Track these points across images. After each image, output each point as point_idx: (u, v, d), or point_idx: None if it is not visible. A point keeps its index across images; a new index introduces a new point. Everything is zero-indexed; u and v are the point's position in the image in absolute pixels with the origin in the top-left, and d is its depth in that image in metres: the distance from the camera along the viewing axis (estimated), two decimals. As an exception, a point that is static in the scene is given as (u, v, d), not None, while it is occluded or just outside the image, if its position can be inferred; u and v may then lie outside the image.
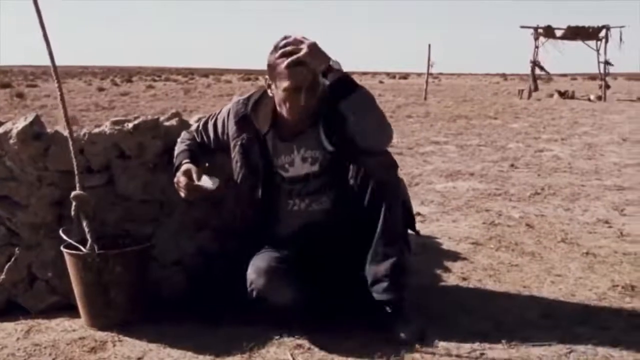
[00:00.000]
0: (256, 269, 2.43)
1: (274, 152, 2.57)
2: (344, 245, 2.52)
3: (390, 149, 2.55)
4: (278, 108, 2.51)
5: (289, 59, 2.38)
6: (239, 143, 2.58)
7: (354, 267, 2.57)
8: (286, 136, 2.57)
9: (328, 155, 2.52)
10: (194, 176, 2.50)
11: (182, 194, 2.53)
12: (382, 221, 2.43)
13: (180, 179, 2.52)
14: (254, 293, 2.42)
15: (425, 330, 2.43)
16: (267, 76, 2.51)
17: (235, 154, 2.60)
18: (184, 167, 2.56)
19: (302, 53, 2.37)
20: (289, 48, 2.41)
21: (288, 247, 2.55)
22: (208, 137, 2.73)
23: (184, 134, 2.80)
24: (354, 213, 2.48)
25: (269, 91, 2.55)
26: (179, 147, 2.72)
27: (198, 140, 2.75)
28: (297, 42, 2.42)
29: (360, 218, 2.46)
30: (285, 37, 2.46)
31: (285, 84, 2.41)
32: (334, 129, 2.48)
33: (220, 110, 2.73)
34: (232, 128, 2.61)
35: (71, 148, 2.59)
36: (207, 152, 2.75)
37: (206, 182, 2.48)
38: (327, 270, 2.55)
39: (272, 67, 2.45)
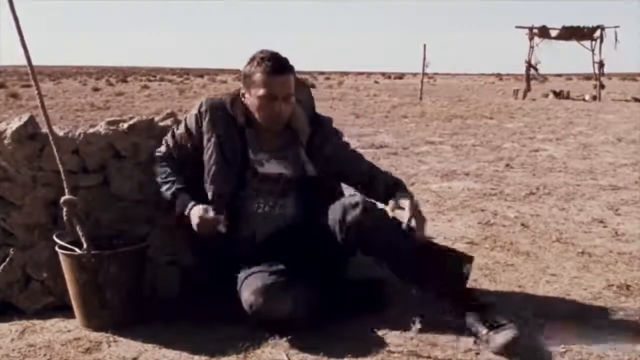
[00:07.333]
0: (253, 289, 2.42)
1: (252, 145, 2.64)
2: (312, 249, 2.55)
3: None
4: (255, 114, 2.61)
5: (268, 66, 2.53)
6: (214, 134, 2.61)
7: (329, 269, 2.63)
8: (262, 145, 2.67)
9: (305, 175, 2.66)
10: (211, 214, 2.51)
11: (204, 231, 2.51)
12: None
13: (208, 216, 2.50)
14: (257, 314, 2.42)
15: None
16: (242, 85, 2.64)
17: (210, 146, 2.61)
18: (199, 209, 2.51)
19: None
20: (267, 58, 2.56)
21: (255, 252, 2.57)
22: (180, 145, 2.71)
23: (160, 170, 2.71)
24: (318, 220, 2.55)
25: (243, 99, 2.65)
26: (167, 187, 2.65)
27: (175, 155, 2.71)
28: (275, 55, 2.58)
29: (325, 227, 2.53)
30: (262, 51, 2.59)
31: (261, 91, 2.54)
32: (317, 152, 2.65)
33: (185, 118, 2.74)
34: (206, 122, 2.63)
35: (55, 154, 2.58)
36: (186, 165, 2.72)
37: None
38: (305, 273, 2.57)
39: (248, 74, 2.58)
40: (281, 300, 2.41)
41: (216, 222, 2.49)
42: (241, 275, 2.51)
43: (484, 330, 2.33)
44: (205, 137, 2.63)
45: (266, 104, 2.55)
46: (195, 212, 2.51)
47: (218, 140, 2.60)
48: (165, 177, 2.67)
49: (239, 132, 2.63)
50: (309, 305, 2.45)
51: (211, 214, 2.49)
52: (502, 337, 2.28)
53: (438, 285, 2.45)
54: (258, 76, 2.54)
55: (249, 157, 2.63)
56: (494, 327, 2.33)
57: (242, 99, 2.65)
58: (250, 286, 2.44)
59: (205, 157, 2.62)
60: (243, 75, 2.62)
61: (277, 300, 2.40)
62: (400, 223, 2.48)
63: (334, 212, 2.51)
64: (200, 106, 2.67)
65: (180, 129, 2.71)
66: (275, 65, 2.54)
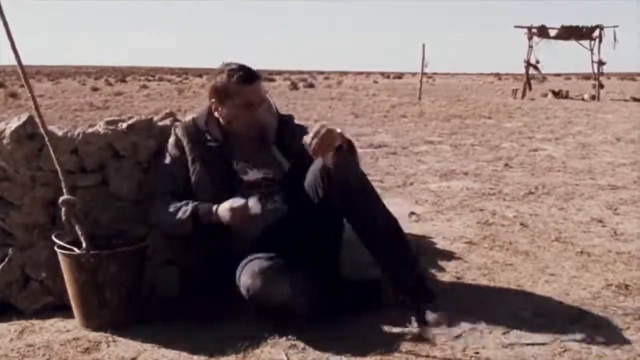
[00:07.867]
0: (251, 273, 2.43)
1: (232, 156, 2.71)
2: (309, 245, 2.57)
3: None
4: (228, 125, 2.70)
5: (241, 76, 2.61)
6: (196, 155, 2.68)
7: (327, 266, 2.66)
8: (240, 154, 2.73)
9: (284, 172, 2.71)
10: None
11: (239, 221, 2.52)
12: (364, 225, 2.58)
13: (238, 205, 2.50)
14: (254, 298, 2.42)
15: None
16: (212, 99, 2.68)
17: (195, 165, 2.67)
18: (226, 203, 2.52)
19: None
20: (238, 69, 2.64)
21: (254, 249, 2.56)
22: (173, 174, 2.72)
23: (170, 210, 2.64)
24: (312, 213, 2.59)
25: (215, 114, 2.71)
26: (182, 212, 2.60)
27: (175, 189, 2.70)
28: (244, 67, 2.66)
29: (320, 217, 2.59)
30: (228, 64, 2.67)
31: (238, 101, 2.62)
32: (287, 148, 2.71)
33: (166, 151, 2.76)
34: (187, 144, 2.70)
35: (52, 154, 2.58)
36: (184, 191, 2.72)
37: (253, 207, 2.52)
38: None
39: (220, 87, 2.64)
40: (279, 283, 2.41)
41: (247, 208, 2.49)
42: (241, 264, 2.52)
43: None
44: (189, 159, 2.69)
45: (245, 113, 2.65)
46: (224, 207, 2.51)
47: (201, 160, 2.67)
48: (177, 209, 2.62)
49: (219, 148, 2.69)
50: (307, 295, 2.46)
51: (239, 202, 2.49)
52: (437, 316, 2.50)
53: (391, 269, 2.59)
54: (232, 88, 2.62)
55: (233, 169, 2.69)
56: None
57: (215, 113, 2.72)
58: (248, 270, 2.46)
59: (193, 178, 2.68)
60: (214, 89, 2.67)
61: (275, 282, 2.40)
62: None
63: (314, 167, 2.58)
64: (176, 133, 2.74)
65: (167, 160, 2.74)
66: (247, 74, 2.63)
